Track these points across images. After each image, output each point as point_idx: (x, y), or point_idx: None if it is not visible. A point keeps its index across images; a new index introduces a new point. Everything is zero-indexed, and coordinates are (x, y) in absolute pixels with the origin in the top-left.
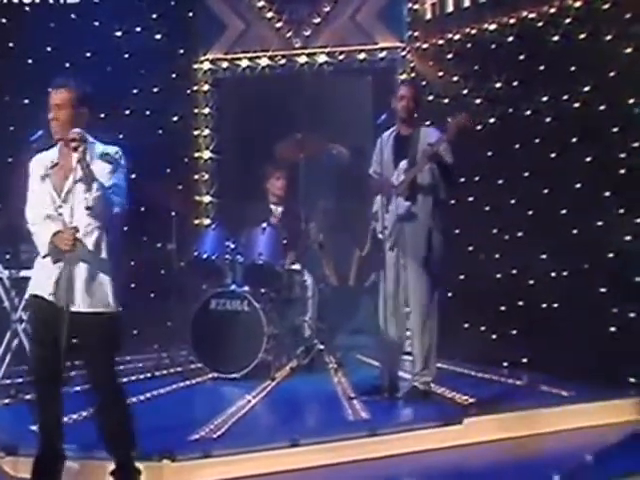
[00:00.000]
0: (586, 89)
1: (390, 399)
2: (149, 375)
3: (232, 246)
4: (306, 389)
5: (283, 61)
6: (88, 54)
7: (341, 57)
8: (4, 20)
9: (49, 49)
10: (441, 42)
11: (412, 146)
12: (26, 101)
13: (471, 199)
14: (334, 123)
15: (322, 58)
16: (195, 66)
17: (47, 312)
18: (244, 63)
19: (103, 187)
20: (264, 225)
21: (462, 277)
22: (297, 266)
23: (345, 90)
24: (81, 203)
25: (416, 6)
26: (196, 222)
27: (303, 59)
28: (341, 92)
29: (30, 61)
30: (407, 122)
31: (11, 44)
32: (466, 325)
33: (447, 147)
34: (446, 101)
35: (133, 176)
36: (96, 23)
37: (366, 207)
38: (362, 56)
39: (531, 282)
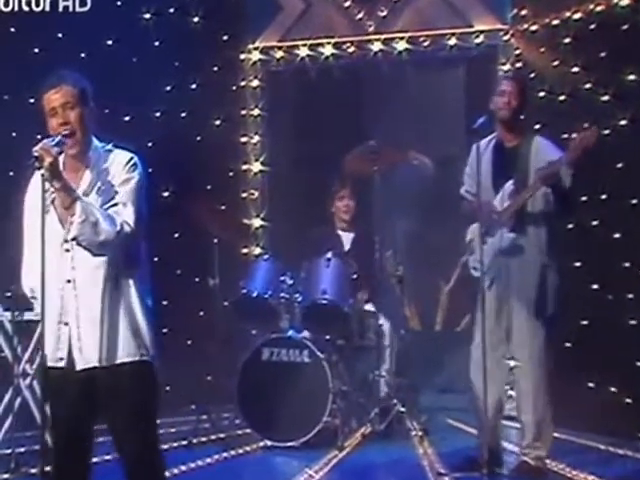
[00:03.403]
0: None
1: (491, 477)
2: (185, 443)
3: (289, 282)
4: (382, 461)
5: (352, 49)
6: (109, 42)
7: (426, 43)
8: None
9: (59, 35)
10: (556, 22)
11: (521, 162)
12: (31, 100)
13: (595, 223)
14: (416, 127)
15: (402, 45)
16: (242, 56)
17: (65, 384)
18: (303, 52)
19: (89, 208)
20: (329, 255)
21: (584, 323)
22: (370, 306)
23: (431, 85)
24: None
25: None
26: (244, 251)
27: (377, 46)
28: (425, 88)
29: (36, 50)
30: (511, 128)
31: (12, 29)
32: (590, 385)
33: (567, 167)
34: (562, 98)
35: (166, 194)
36: (118, 2)
37: (456, 233)
38: (453, 42)
39: None
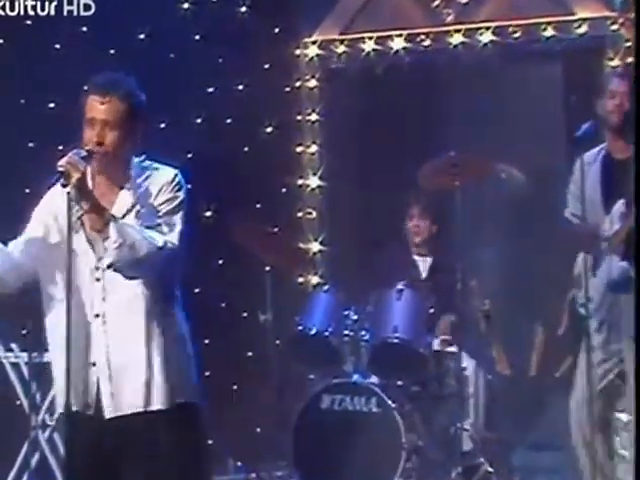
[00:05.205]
0: None
1: None
2: None
3: (353, 317)
4: None
5: (427, 42)
6: (141, 36)
7: (516, 35)
8: None
9: (84, 29)
10: None
11: (633, 177)
12: (52, 105)
13: None
14: (504, 135)
15: (487, 37)
16: (297, 52)
17: (92, 435)
18: (369, 46)
19: (125, 229)
20: (401, 286)
21: None
22: (451, 347)
23: (522, 85)
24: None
25: None
26: (300, 281)
27: (457, 39)
28: (515, 88)
29: (57, 46)
30: (623, 136)
31: (28, 21)
32: None
33: None
34: None
35: (208, 214)
36: None
37: (554, 258)
38: (549, 32)
39: None
